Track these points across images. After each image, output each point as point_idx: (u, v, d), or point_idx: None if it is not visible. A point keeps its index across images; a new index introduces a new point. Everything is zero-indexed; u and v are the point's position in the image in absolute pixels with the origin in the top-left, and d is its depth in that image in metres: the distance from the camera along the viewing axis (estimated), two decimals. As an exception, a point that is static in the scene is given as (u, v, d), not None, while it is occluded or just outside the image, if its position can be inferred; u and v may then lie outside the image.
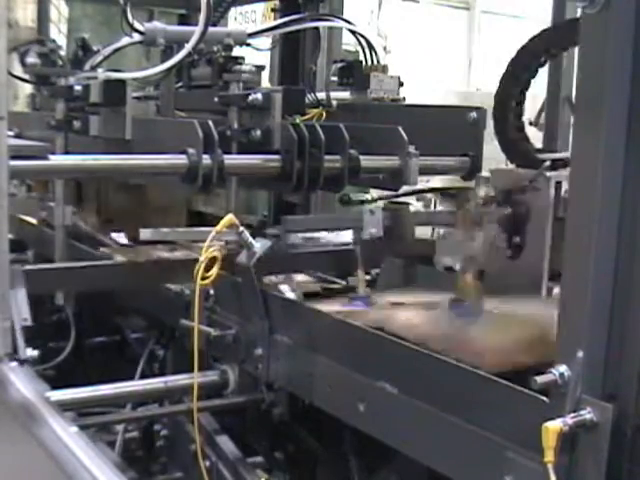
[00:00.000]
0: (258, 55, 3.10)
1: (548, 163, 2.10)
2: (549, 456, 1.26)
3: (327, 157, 2.12)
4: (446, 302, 2.00)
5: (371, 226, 2.23)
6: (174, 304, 2.36)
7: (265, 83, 3.25)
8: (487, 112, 2.38)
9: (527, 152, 2.25)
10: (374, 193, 2.38)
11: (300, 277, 2.63)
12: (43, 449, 1.54)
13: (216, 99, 2.43)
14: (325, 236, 2.75)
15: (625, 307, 1.28)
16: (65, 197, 2.77)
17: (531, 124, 3.01)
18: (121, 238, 2.91)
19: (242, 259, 2.11)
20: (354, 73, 2.80)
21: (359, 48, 2.86)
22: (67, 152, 2.56)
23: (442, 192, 2.32)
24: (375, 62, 2.82)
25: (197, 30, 2.28)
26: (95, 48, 2.70)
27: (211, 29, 2.37)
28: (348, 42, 3.21)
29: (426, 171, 2.30)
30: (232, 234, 2.08)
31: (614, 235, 1.28)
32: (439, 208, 2.32)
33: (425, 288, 2.21)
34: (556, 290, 1.88)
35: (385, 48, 13.09)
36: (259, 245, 2.11)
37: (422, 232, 2.62)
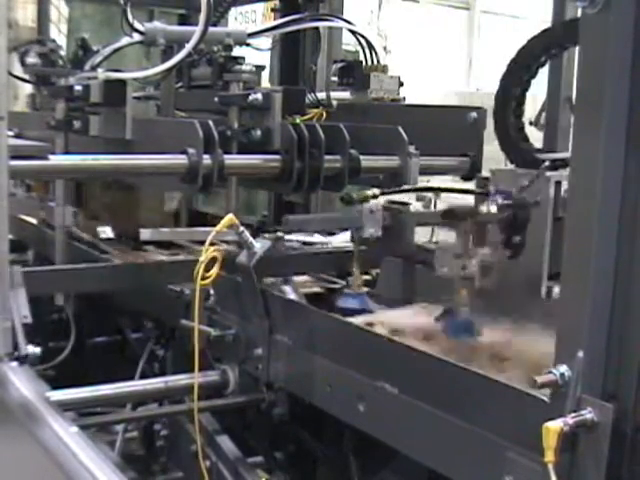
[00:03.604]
0: (258, 55, 3.11)
1: (547, 163, 2.09)
2: (549, 456, 1.26)
3: (327, 157, 2.12)
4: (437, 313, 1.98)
5: (370, 225, 2.23)
6: (174, 304, 2.36)
7: (265, 83, 3.25)
8: (487, 112, 2.39)
9: (527, 152, 2.25)
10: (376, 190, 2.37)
11: (300, 277, 2.63)
12: (43, 449, 1.54)
13: (216, 99, 2.43)
14: (321, 239, 2.75)
15: (625, 307, 1.28)
16: (65, 197, 2.77)
17: (531, 124, 3.01)
18: (107, 232, 2.92)
19: (242, 259, 2.11)
20: (354, 73, 2.80)
21: (359, 48, 2.86)
22: (67, 152, 2.57)
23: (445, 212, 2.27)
24: (375, 62, 2.82)
25: (197, 30, 2.28)
26: (95, 48, 2.70)
27: (211, 29, 2.37)
28: (348, 42, 3.21)
29: (426, 171, 2.30)
30: (232, 234, 2.08)
31: (614, 235, 1.28)
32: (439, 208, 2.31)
33: (425, 297, 2.18)
34: (556, 290, 1.87)
35: (385, 48, 13.11)
36: (259, 245, 2.11)
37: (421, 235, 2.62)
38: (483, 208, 2.07)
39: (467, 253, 1.99)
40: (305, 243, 2.70)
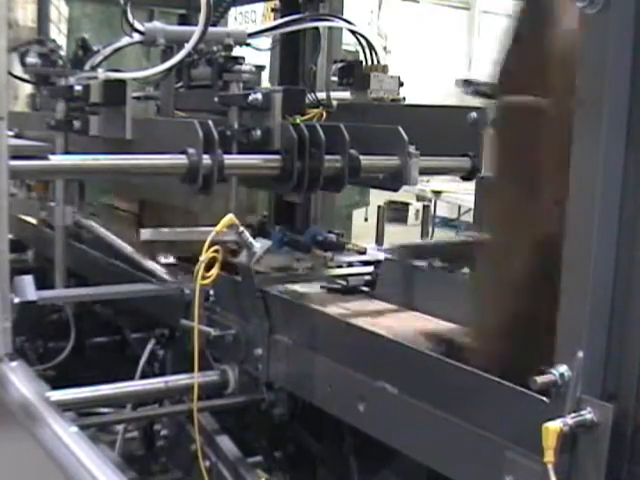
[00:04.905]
0: (258, 55, 3.10)
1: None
2: (549, 456, 1.26)
3: (327, 157, 2.12)
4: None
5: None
6: (174, 304, 2.36)
7: (265, 83, 3.25)
8: (487, 112, 2.38)
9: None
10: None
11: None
12: (43, 449, 1.54)
13: (216, 99, 2.43)
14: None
15: (625, 307, 1.28)
16: (65, 197, 2.77)
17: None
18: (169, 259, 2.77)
19: (242, 259, 2.11)
20: (354, 73, 2.80)
21: (359, 48, 2.85)
22: (67, 152, 2.57)
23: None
24: (375, 62, 2.82)
25: (197, 30, 2.28)
26: (95, 48, 2.70)
27: (211, 29, 2.37)
28: (348, 42, 3.21)
29: (426, 171, 2.30)
30: (232, 234, 2.08)
31: (614, 235, 1.28)
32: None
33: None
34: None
35: (385, 48, 13.09)
36: (259, 245, 2.11)
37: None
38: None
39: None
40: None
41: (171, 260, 2.76)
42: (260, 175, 2.22)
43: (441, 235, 8.59)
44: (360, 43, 2.83)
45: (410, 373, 1.70)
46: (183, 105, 2.78)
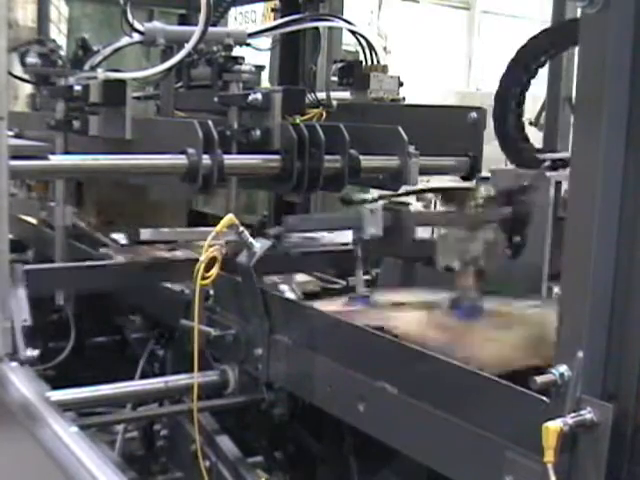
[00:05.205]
0: (258, 55, 3.11)
1: (548, 163, 2.10)
2: (549, 456, 1.26)
3: (327, 157, 2.12)
4: (446, 302, 2.00)
5: (371, 226, 2.22)
6: (174, 304, 2.36)
7: (265, 83, 3.26)
8: (487, 112, 2.38)
9: (527, 152, 2.25)
10: (375, 193, 2.38)
11: (300, 277, 2.64)
12: (43, 449, 1.54)
13: (216, 99, 2.44)
14: (325, 236, 2.75)
15: (625, 307, 1.28)
16: (65, 197, 2.77)
17: (531, 124, 3.02)
18: (121, 239, 2.92)
19: (242, 259, 2.11)
20: (354, 73, 2.80)
21: (359, 48, 2.86)
22: (67, 152, 2.57)
23: (442, 192, 2.33)
24: (375, 62, 2.83)
25: (197, 30, 2.28)
26: (95, 48, 2.70)
27: (211, 29, 2.37)
28: (348, 42, 3.21)
29: (426, 171, 2.30)
30: (232, 234, 2.08)
31: (614, 235, 1.28)
32: (439, 208, 2.33)
33: (425, 288, 2.21)
34: (556, 290, 1.89)
35: (385, 48, 13.10)
36: (259, 245, 2.11)
37: (422, 233, 2.62)
38: (482, 190, 2.09)
39: (468, 238, 2.01)
40: (308, 239, 2.70)
41: (123, 241, 2.83)
42: (260, 175, 2.22)
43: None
44: (360, 43, 2.84)
45: (410, 373, 1.70)
46: (183, 105, 2.78)
